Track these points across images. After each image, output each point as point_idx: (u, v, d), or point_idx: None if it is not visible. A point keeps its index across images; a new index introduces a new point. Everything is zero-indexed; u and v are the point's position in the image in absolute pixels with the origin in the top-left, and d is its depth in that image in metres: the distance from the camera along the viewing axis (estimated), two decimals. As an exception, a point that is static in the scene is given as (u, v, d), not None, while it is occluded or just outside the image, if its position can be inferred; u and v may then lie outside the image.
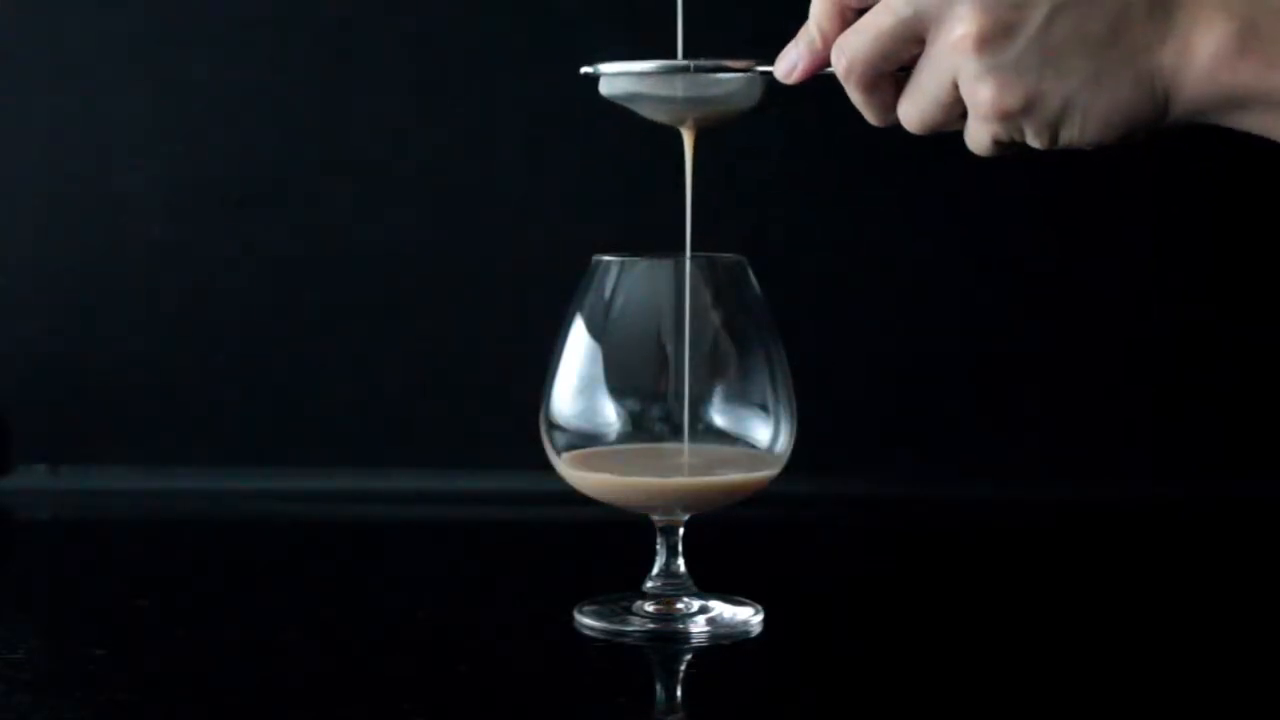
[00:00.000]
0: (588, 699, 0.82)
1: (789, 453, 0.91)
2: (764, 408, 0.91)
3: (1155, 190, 1.29)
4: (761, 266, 0.93)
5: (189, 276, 1.30)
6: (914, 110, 0.78)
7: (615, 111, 1.27)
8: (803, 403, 0.92)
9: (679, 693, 0.84)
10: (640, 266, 0.91)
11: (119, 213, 1.30)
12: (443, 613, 0.96)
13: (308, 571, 1.09)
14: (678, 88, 0.86)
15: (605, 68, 0.87)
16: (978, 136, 0.77)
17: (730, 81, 0.86)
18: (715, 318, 0.91)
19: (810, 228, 1.30)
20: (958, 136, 0.79)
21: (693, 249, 0.91)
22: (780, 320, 0.92)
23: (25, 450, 1.30)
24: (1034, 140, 0.76)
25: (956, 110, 0.77)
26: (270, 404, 1.30)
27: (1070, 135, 0.76)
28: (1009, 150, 0.78)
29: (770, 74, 0.84)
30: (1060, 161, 1.27)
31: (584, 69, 0.88)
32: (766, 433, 0.91)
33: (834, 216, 1.30)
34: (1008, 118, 0.75)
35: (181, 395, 1.31)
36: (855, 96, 0.80)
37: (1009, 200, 1.29)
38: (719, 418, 0.91)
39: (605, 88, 0.88)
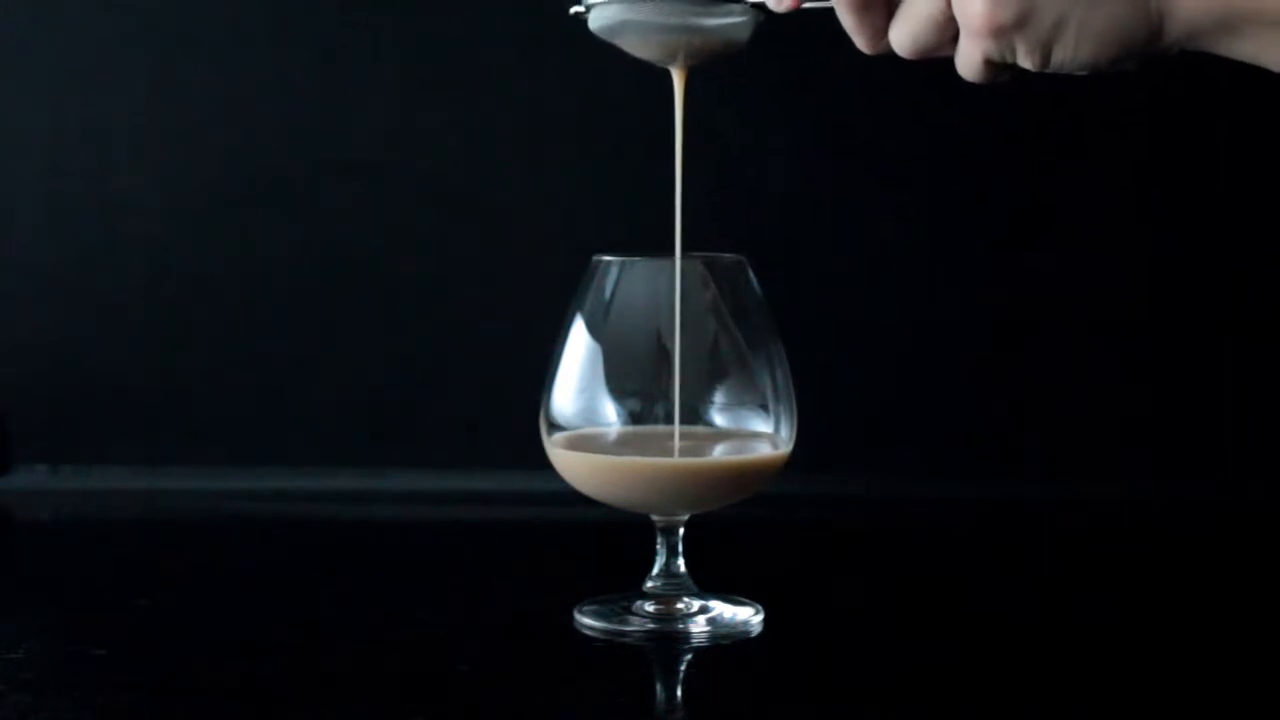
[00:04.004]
0: (588, 699, 0.82)
1: (789, 452, 0.91)
2: (764, 408, 0.91)
3: (1156, 191, 1.29)
4: (761, 266, 0.93)
5: (189, 276, 1.30)
6: (906, 32, 0.78)
7: (616, 112, 1.28)
8: (803, 402, 0.92)
9: (679, 693, 0.84)
10: (640, 266, 0.91)
11: (119, 213, 1.30)
12: (443, 613, 0.96)
13: (307, 571, 1.09)
14: (668, 14, 0.86)
15: None
16: (969, 57, 0.77)
17: (721, 10, 0.85)
18: (715, 318, 0.91)
19: (810, 228, 1.30)
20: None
21: (693, 249, 0.91)
22: (780, 320, 0.92)
23: (25, 450, 1.30)
24: (1025, 60, 0.76)
25: (949, 31, 0.77)
26: (270, 404, 1.30)
27: (1063, 55, 0.75)
28: (1001, 75, 0.77)
29: (763, 3, 0.83)
30: (1062, 162, 1.28)
31: (573, 8, 0.87)
32: (767, 432, 0.91)
33: (833, 216, 1.30)
34: (1001, 33, 0.75)
35: (181, 395, 1.31)
36: (847, 20, 0.79)
37: (1009, 200, 1.29)
38: (719, 417, 0.91)
39: (595, 21, 0.87)
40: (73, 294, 1.30)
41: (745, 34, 0.87)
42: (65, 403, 1.31)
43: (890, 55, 0.80)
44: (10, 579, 1.10)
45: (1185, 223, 1.29)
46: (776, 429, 0.91)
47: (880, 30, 0.79)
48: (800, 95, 1.29)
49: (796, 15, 0.83)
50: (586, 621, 0.91)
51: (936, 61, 0.79)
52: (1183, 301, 1.29)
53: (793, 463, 0.92)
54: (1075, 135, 1.29)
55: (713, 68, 0.89)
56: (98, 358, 1.30)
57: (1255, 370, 1.29)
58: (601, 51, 0.93)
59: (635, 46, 0.88)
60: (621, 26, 0.86)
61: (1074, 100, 1.26)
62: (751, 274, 0.92)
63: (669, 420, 0.90)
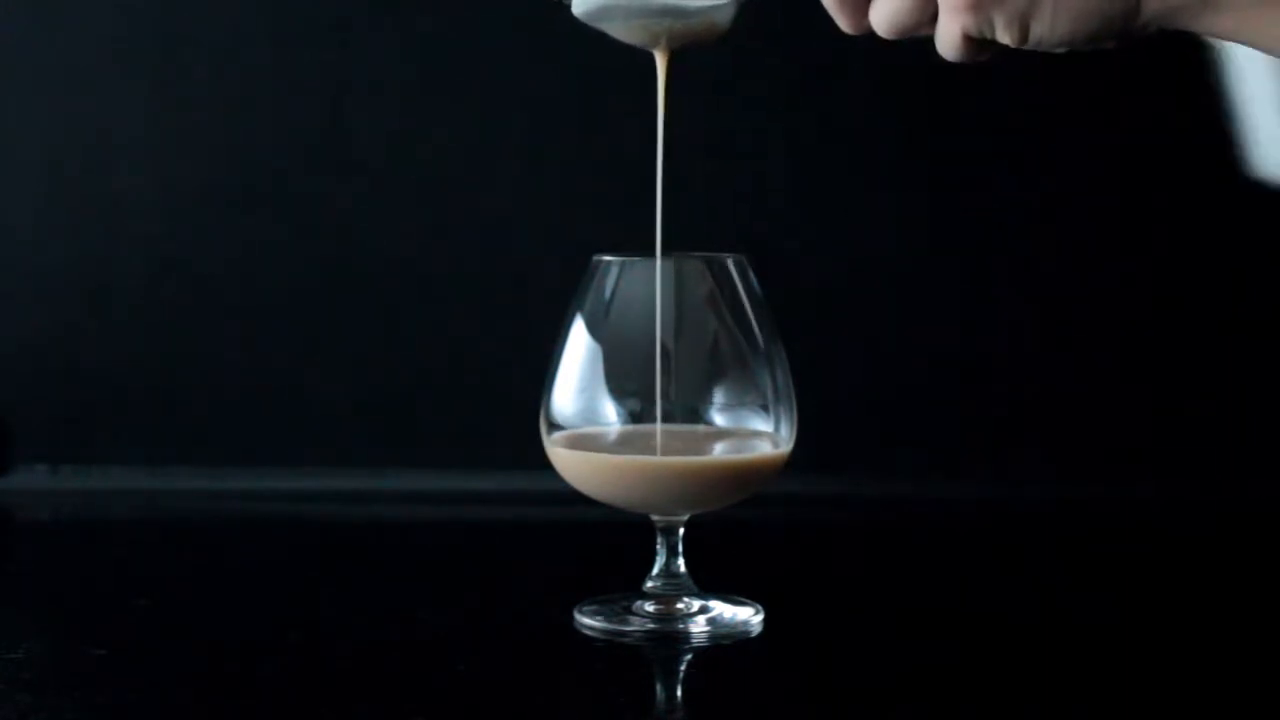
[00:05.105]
0: (588, 699, 0.82)
1: (789, 452, 0.91)
2: (764, 407, 0.91)
3: (1156, 190, 1.29)
4: (761, 266, 0.93)
5: (189, 276, 1.30)
6: (886, 10, 0.78)
7: (616, 112, 1.28)
8: (803, 403, 0.92)
9: (679, 693, 0.84)
10: (640, 266, 0.91)
11: (119, 213, 1.30)
12: (443, 613, 0.96)
13: (307, 571, 1.09)
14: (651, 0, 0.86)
15: None
16: (948, 33, 0.77)
17: None
18: (714, 317, 0.91)
19: (810, 228, 1.30)
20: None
21: (692, 249, 0.91)
22: (780, 320, 0.92)
23: (25, 450, 1.30)
24: (1004, 34, 0.76)
25: (928, 10, 0.77)
26: (270, 404, 1.30)
27: (1041, 30, 0.75)
28: (980, 54, 0.77)
29: None
30: (1063, 161, 1.28)
31: None
32: (767, 431, 0.91)
33: (834, 216, 1.30)
34: (978, 7, 0.75)
35: (181, 395, 1.31)
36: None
37: (1009, 200, 1.29)
38: (719, 417, 0.91)
39: (578, 6, 0.87)
40: (73, 294, 1.30)
41: (728, 18, 0.87)
42: (65, 403, 1.31)
43: (876, 40, 0.80)
44: (10, 579, 1.10)
45: (1185, 223, 1.29)
46: (776, 428, 0.91)
47: (861, 9, 0.79)
48: (801, 94, 1.29)
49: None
50: (586, 621, 0.91)
51: (921, 45, 0.79)
52: (1183, 301, 1.29)
53: (793, 463, 0.92)
54: (1076, 135, 1.29)
55: (696, 51, 0.89)
56: (98, 358, 1.30)
57: (1255, 370, 1.29)
58: (602, 52, 0.93)
59: (618, 31, 0.88)
60: (604, 12, 0.86)
61: (1075, 99, 1.26)
62: (751, 273, 0.92)
63: (670, 420, 0.90)
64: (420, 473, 1.29)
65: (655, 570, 0.93)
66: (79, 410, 1.31)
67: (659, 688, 0.85)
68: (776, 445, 0.91)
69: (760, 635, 0.91)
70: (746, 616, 0.92)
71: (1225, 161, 1.27)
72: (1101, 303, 1.29)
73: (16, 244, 1.30)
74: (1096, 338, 1.30)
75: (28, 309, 1.30)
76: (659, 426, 0.89)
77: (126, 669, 0.86)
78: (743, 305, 0.91)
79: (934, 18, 0.77)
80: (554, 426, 0.91)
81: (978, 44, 0.77)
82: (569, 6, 0.87)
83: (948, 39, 0.77)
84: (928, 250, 1.30)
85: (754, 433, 0.91)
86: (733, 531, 1.09)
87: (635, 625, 0.90)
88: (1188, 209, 1.29)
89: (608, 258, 0.91)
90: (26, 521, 1.27)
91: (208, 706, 0.80)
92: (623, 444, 0.90)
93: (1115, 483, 1.28)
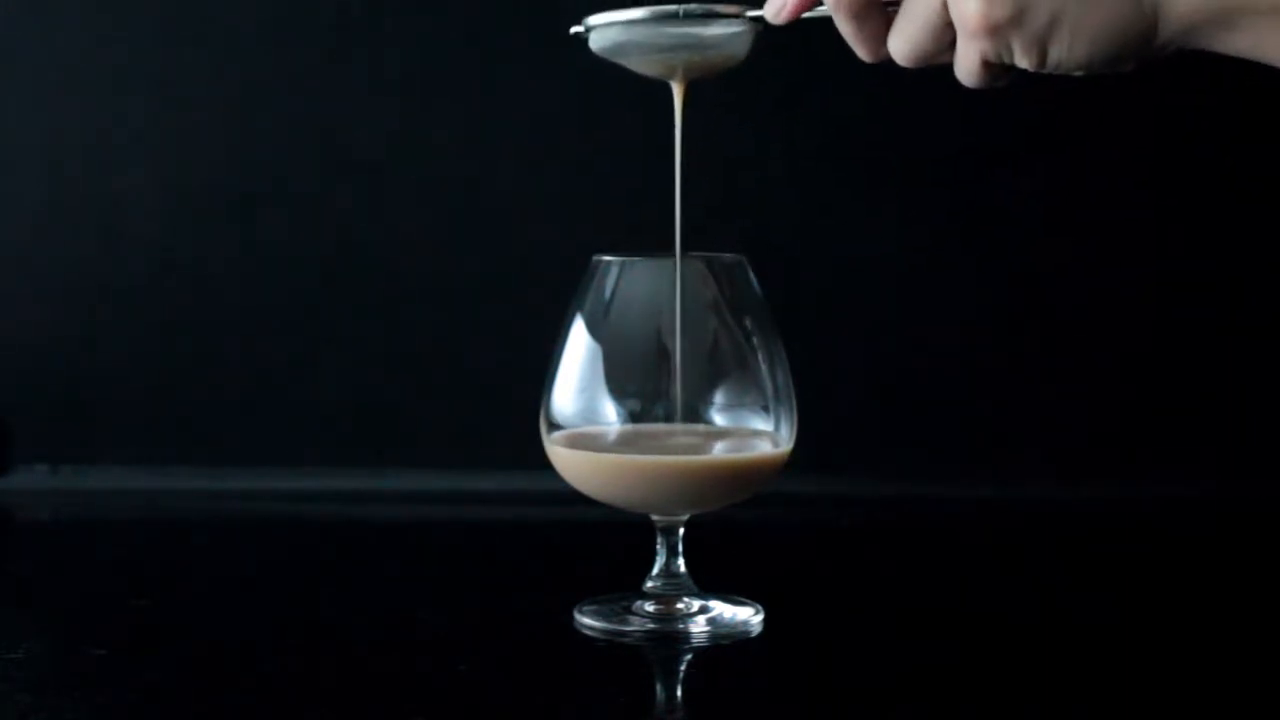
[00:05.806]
0: (588, 699, 0.82)
1: (789, 451, 0.91)
2: (764, 408, 0.91)
3: (1156, 191, 1.29)
4: (761, 266, 0.93)
5: (189, 276, 1.30)
6: (904, 39, 0.78)
7: (617, 112, 1.28)
8: (803, 403, 0.92)
9: (679, 693, 0.84)
10: (640, 266, 0.91)
11: (119, 213, 1.30)
12: (443, 613, 0.96)
13: (307, 571, 1.09)
14: (668, 35, 0.86)
15: (594, 20, 0.86)
16: (967, 59, 0.77)
17: (720, 26, 0.85)
18: (715, 317, 0.91)
19: (810, 228, 1.30)
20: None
21: (693, 249, 0.91)
22: (780, 320, 0.92)
23: (25, 450, 1.30)
24: (1022, 59, 0.76)
25: (946, 37, 0.77)
26: (270, 404, 1.30)
27: (1059, 53, 0.75)
28: (999, 78, 0.77)
29: (760, 18, 0.83)
30: (1061, 163, 1.28)
31: (573, 28, 0.87)
32: (767, 431, 0.91)
33: (834, 217, 1.30)
34: (996, 32, 0.75)
35: (181, 395, 1.31)
36: (845, 28, 0.80)
37: (1009, 200, 1.29)
38: (719, 417, 0.91)
39: (595, 41, 0.87)
40: (73, 294, 1.30)
41: (744, 48, 0.87)
42: (65, 403, 1.31)
43: (891, 64, 0.80)
44: (10, 579, 1.10)
45: (1185, 223, 1.29)
46: (776, 428, 0.91)
47: (879, 38, 0.79)
48: (801, 95, 1.29)
49: (795, 26, 0.83)
50: (586, 621, 0.91)
51: (935, 68, 0.80)
52: (1182, 301, 1.29)
53: (793, 463, 0.92)
54: (1075, 136, 1.29)
55: (712, 80, 0.89)
56: (98, 358, 1.30)
57: (1255, 370, 1.29)
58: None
59: (636, 65, 0.88)
60: (622, 47, 0.87)
61: (1073, 102, 1.26)
62: (751, 274, 0.92)
63: (669, 419, 0.90)
64: (420, 473, 1.29)
65: (655, 570, 0.93)
66: (79, 410, 1.31)
67: (659, 688, 0.85)
68: (776, 445, 0.91)
69: (760, 635, 0.91)
70: (746, 616, 0.92)
71: (1225, 163, 1.27)
72: (1101, 303, 1.29)
73: (16, 244, 1.31)
74: (1096, 338, 1.30)
75: (28, 309, 1.30)
76: (679, 426, 0.89)
77: (126, 669, 0.86)
78: (743, 305, 0.91)
79: (952, 45, 0.77)
80: (554, 426, 0.91)
81: (996, 69, 0.77)
82: (586, 41, 0.87)
83: (967, 65, 0.77)
84: (927, 250, 1.30)
85: (754, 433, 0.91)
86: (733, 531, 1.09)
87: (635, 625, 0.90)
88: (1187, 210, 1.29)
89: (608, 258, 0.92)
90: (26, 521, 1.27)
91: (208, 706, 0.80)
92: (623, 444, 0.90)
93: (1115, 483, 1.28)
